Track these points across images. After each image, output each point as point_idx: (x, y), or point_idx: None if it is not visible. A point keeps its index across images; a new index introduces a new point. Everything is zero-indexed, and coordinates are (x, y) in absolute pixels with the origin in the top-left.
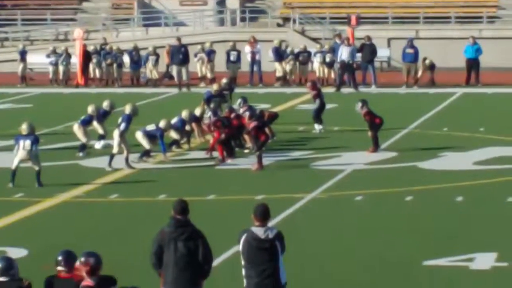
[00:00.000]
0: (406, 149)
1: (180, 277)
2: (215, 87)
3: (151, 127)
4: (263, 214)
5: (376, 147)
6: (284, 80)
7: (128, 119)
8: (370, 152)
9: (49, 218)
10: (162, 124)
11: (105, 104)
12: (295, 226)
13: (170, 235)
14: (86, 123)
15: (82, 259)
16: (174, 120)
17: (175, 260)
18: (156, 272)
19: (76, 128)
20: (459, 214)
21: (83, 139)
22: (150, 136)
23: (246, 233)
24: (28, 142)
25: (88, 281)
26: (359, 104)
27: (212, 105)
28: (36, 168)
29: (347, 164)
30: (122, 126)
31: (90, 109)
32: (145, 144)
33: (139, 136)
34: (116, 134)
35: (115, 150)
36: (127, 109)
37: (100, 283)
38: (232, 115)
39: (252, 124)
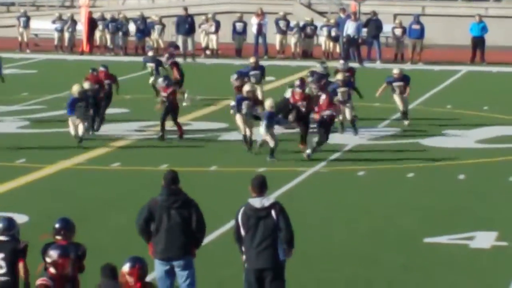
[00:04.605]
0: (409, 126)
1: (173, 245)
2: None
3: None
4: (260, 185)
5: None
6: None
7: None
8: None
9: (50, 185)
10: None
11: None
12: (296, 199)
13: (162, 204)
14: (72, 110)
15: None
16: None
17: (168, 228)
18: (143, 238)
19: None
20: (461, 192)
21: (72, 132)
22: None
23: (244, 206)
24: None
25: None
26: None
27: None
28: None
29: (350, 138)
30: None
31: (75, 88)
32: None
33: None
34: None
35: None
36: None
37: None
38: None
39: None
